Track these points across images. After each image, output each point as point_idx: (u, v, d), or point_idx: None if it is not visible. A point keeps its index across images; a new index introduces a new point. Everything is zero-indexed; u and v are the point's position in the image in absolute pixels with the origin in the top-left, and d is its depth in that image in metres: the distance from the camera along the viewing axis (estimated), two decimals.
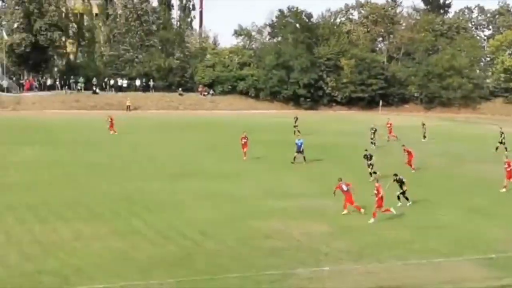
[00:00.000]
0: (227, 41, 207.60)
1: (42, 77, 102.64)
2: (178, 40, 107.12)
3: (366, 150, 42.11)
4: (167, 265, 22.37)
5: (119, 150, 51.82)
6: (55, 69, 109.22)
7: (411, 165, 42.89)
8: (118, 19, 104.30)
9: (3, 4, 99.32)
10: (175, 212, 30.31)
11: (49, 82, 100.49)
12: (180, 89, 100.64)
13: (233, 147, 49.19)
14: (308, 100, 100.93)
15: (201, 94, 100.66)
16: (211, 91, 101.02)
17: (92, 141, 56.34)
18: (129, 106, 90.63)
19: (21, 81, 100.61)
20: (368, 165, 40.18)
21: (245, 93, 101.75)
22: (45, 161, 45.45)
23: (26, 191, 34.37)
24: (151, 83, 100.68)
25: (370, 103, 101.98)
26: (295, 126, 63.32)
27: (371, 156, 40.55)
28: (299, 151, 45.49)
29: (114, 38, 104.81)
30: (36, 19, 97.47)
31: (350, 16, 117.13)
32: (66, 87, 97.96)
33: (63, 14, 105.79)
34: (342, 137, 62.09)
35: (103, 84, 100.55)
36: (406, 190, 31.93)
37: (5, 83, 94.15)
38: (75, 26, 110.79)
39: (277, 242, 25.59)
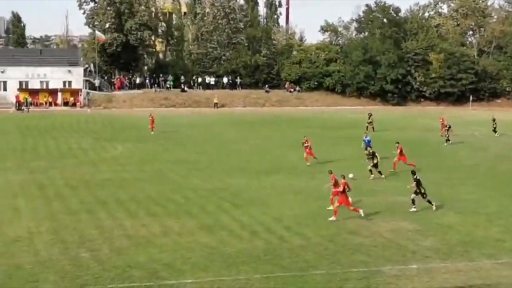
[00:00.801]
0: (314, 37, 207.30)
1: (132, 76, 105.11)
2: (264, 37, 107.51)
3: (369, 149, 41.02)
4: (254, 261, 22.53)
5: (206, 146, 52.50)
6: (145, 67, 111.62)
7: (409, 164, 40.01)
8: (206, 18, 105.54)
9: (96, 5, 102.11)
10: (262, 207, 30.49)
11: (138, 80, 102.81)
12: (266, 86, 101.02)
13: (319, 143, 49.04)
14: (395, 95, 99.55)
15: (287, 90, 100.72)
16: (298, 88, 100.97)
17: (180, 138, 57.29)
18: (217, 103, 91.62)
19: (112, 80, 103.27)
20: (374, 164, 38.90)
21: (331, 89, 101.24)
22: (135, 158, 46.57)
23: (117, 187, 35.30)
24: (238, 80, 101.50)
25: (459, 98, 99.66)
26: (369, 123, 62.82)
27: (373, 154, 39.16)
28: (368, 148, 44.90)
29: (202, 36, 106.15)
30: (127, 19, 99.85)
31: (439, 10, 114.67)
32: (155, 85, 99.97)
33: (153, 14, 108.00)
34: (429, 133, 60.97)
35: (191, 82, 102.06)
36: (424, 191, 29.98)
37: (97, 82, 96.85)
38: (164, 25, 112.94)
39: (363, 239, 25.40)
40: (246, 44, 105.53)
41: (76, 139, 55.77)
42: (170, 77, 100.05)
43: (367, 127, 61.43)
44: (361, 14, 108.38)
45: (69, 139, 56.19)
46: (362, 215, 28.41)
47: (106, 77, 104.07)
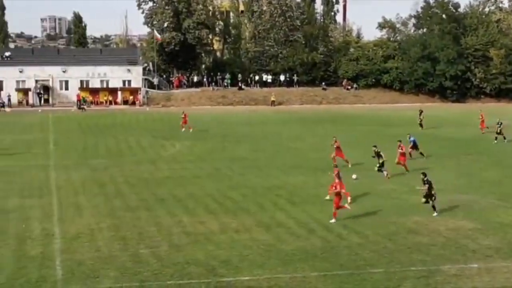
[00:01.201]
0: (371, 34, 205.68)
1: (190, 74, 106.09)
2: (321, 35, 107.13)
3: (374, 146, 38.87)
4: (311, 259, 22.53)
5: (263, 144, 52.64)
6: (203, 66, 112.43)
7: (404, 165, 39.32)
8: (263, 16, 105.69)
9: (154, 4, 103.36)
10: (319, 205, 30.43)
11: (196, 79, 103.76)
12: (323, 83, 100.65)
13: (376, 141, 48.59)
14: (454, 92, 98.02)
15: (344, 88, 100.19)
16: (355, 85, 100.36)
17: (238, 136, 57.58)
18: (274, 101, 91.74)
19: (171, 79, 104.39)
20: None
21: (389, 86, 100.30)
22: (193, 156, 47.02)
23: (175, 185, 35.71)
24: (295, 78, 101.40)
25: None
26: (420, 120, 62.08)
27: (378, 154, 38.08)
28: (415, 147, 44.30)
29: (259, 34, 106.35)
30: (185, 18, 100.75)
31: (500, 5, 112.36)
32: (213, 83, 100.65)
33: (210, 12, 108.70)
34: (489, 130, 59.84)
35: (248, 80, 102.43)
36: (434, 194, 28.77)
37: (156, 81, 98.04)
38: (222, 23, 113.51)
39: (422, 238, 25.13)
40: (303, 42, 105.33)
41: (135, 137, 56.59)
42: (228, 75, 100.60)
43: (420, 124, 60.93)
44: (420, 10, 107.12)
45: (128, 137, 57.07)
46: (333, 221, 27.39)
47: (164, 76, 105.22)
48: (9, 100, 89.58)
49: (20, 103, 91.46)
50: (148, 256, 22.71)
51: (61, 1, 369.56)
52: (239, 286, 19.96)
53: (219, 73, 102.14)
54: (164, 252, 23.26)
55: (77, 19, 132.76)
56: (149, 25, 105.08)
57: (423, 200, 28.93)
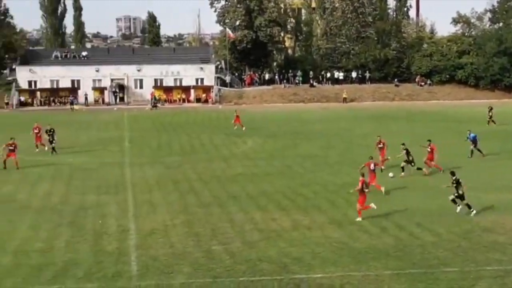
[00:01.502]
0: (445, 29, 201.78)
1: (262, 72, 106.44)
2: (394, 30, 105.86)
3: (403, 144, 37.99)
4: (384, 257, 22.35)
5: (335, 141, 52.44)
6: (274, 63, 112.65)
7: (433, 165, 37.99)
8: (335, 12, 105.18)
9: (226, 3, 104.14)
10: (391, 203, 30.14)
11: (268, 76, 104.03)
12: (396, 79, 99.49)
13: (450, 138, 47.85)
14: None
15: (418, 84, 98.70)
16: (428, 81, 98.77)
17: (309, 133, 57.51)
18: (345, 98, 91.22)
19: (243, 76, 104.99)
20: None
21: (463, 82, 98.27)
22: (265, 153, 47.20)
23: (247, 182, 35.94)
24: (367, 74, 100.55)
25: None
26: (490, 116, 60.59)
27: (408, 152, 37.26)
28: (474, 144, 43.17)
29: (330, 31, 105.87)
30: (257, 16, 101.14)
31: None
32: (285, 81, 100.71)
33: (282, 10, 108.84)
34: None
35: (320, 77, 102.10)
36: (463, 193, 27.87)
37: (228, 79, 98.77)
38: (293, 21, 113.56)
39: (498, 237, 24.60)
40: (375, 38, 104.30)
41: (208, 135, 57.19)
42: (299, 73, 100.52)
43: (488, 121, 59.64)
44: (496, 4, 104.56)
45: (201, 135, 57.72)
46: (359, 219, 27.28)
47: (236, 74, 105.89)
48: (86, 98, 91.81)
49: (96, 101, 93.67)
50: (220, 253, 22.95)
51: (136, 1, 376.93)
52: (312, 283, 19.97)
53: (290, 71, 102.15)
54: (236, 248, 23.45)
55: (151, 18, 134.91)
56: (221, 23, 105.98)
57: (451, 198, 28.06)
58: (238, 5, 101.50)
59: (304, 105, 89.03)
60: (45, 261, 22.17)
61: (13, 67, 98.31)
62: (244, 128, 59.83)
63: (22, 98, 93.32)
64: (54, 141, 47.37)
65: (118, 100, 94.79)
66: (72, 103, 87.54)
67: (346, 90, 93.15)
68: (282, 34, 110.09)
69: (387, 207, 29.35)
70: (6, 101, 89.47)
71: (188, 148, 50.86)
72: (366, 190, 28.05)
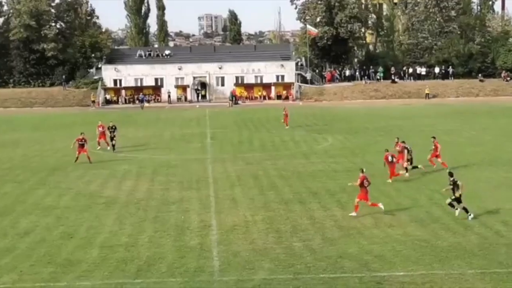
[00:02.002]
0: None
1: (342, 68, 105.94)
2: (478, 25, 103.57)
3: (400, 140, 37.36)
4: (468, 255, 21.91)
5: (417, 138, 51.51)
6: (355, 60, 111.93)
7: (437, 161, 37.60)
8: (417, 7, 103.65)
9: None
10: (476, 201, 29.42)
11: (348, 72, 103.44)
12: (480, 75, 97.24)
13: None
14: None
15: (504, 79, 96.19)
16: None
17: (391, 130, 56.82)
18: (428, 94, 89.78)
19: (323, 73, 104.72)
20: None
21: None
22: (346, 150, 46.96)
23: (328, 178, 35.84)
24: (450, 70, 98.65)
25: None
26: None
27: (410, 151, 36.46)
28: None
29: (412, 26, 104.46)
30: (337, 12, 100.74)
31: None
32: (366, 77, 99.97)
33: (363, 6, 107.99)
34: None
35: (401, 72, 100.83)
36: (460, 195, 26.48)
37: (308, 75, 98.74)
38: (374, 16, 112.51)
39: None
40: (458, 33, 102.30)
41: (289, 132, 57.30)
42: (380, 69, 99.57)
43: None
44: None
45: (282, 131, 57.90)
46: (383, 209, 27.24)
47: (317, 70, 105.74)
48: (168, 96, 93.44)
49: (179, 99, 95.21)
50: (301, 249, 23.00)
51: (217, 0, 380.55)
52: (393, 281, 19.79)
53: (371, 67, 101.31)
54: (317, 245, 23.46)
55: (232, 16, 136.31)
56: (302, 20, 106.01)
57: (448, 201, 26.82)
58: (319, 2, 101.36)
59: (385, 101, 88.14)
60: (130, 255, 22.73)
61: (99, 66, 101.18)
62: (287, 127, 59.84)
63: (108, 96, 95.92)
64: (114, 138, 48.07)
65: (200, 97, 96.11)
66: (142, 101, 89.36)
67: (429, 86, 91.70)
68: (363, 30, 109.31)
69: (473, 204, 28.75)
70: (92, 99, 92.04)
71: (268, 144, 51.10)
72: (367, 185, 27.68)
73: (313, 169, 39.10)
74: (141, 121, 70.26)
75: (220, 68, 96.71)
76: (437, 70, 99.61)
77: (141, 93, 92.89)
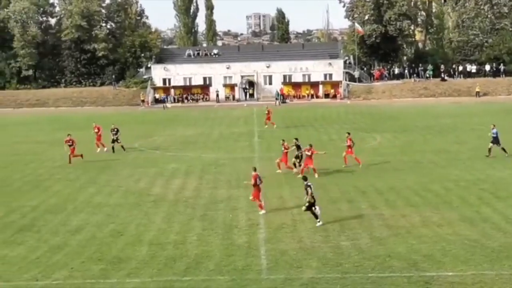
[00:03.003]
0: None
1: (391, 66, 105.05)
2: None
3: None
4: None
5: (467, 136, 51.01)
6: (404, 57, 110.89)
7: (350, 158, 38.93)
8: (467, 4, 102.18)
9: None
10: None
11: (397, 70, 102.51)
12: None
13: None
14: None
15: None
16: None
17: (440, 128, 56.24)
18: (478, 92, 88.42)
19: (372, 71, 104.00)
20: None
21: None
22: (394, 148, 46.59)
23: (376, 177, 35.61)
24: (502, 67, 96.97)
25: None
26: None
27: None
28: (495, 142, 40.44)
29: (463, 23, 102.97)
30: (386, 10, 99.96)
31: None
32: (415, 75, 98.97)
33: (412, 3, 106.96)
34: None
35: (451, 70, 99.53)
36: (309, 202, 25.85)
37: (356, 74, 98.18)
38: (424, 14, 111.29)
39: None
40: (510, 29, 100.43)
41: (336, 130, 57.12)
42: (430, 67, 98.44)
43: None
44: None
45: (329, 130, 57.79)
46: (263, 212, 27.91)
47: (365, 69, 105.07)
48: (217, 95, 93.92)
49: (227, 98, 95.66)
50: (349, 248, 22.93)
51: None
52: (442, 281, 19.60)
53: (420, 65, 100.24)
54: (365, 244, 23.36)
55: (280, 15, 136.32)
56: (350, 18, 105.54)
57: (303, 209, 26.32)
58: (367, 0, 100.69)
59: (435, 99, 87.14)
60: (178, 253, 22.97)
61: (149, 65, 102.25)
62: (275, 126, 59.73)
63: (157, 95, 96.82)
64: (118, 140, 47.62)
65: (248, 96, 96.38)
66: (164, 101, 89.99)
67: (479, 84, 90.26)
68: (412, 28, 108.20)
69: None
70: (142, 98, 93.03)
71: (316, 143, 50.78)
72: (259, 183, 28.10)
73: (361, 167, 38.85)
74: (189, 120, 70.79)
75: (268, 67, 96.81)
76: (487, 67, 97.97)
77: (163, 94, 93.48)
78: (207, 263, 21.71)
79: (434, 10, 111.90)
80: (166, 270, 21.24)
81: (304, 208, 26.22)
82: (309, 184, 26.25)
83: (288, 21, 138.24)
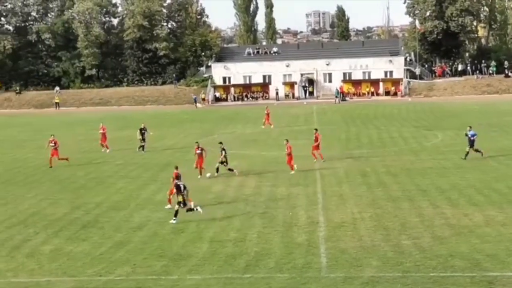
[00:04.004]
0: None
1: (453, 63, 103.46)
2: None
3: None
4: None
5: None
6: (466, 54, 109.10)
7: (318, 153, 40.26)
8: None
9: None
10: None
11: (460, 67, 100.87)
12: None
13: None
14: None
15: None
16: None
17: (504, 125, 55.22)
18: None
19: (433, 68, 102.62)
20: None
21: None
22: (456, 146, 45.79)
23: (438, 176, 35.15)
24: None
25: None
26: None
27: None
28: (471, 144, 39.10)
29: None
30: (448, 6, 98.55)
31: None
32: (477, 71, 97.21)
33: None
34: None
35: None
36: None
37: (417, 71, 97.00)
38: (487, 9, 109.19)
39: None
40: None
41: (397, 128, 56.60)
42: (493, 63, 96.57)
43: None
44: None
45: (390, 128, 57.26)
46: (169, 206, 28.99)
47: (426, 66, 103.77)
48: (276, 93, 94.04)
49: (286, 96, 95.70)
50: (410, 247, 22.69)
51: None
52: (506, 281, 19.22)
53: (483, 61, 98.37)
54: (426, 243, 23.08)
55: (341, 12, 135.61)
56: (411, 14, 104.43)
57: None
58: None
59: (498, 96, 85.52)
60: (239, 250, 23.11)
61: (209, 64, 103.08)
62: (272, 126, 59.43)
63: (217, 94, 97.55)
64: (144, 140, 48.00)
65: (307, 94, 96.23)
66: (195, 101, 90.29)
67: None
68: (474, 24, 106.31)
69: None
70: (202, 96, 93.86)
71: (376, 141, 50.63)
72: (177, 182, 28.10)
73: (422, 166, 38.44)
74: (249, 118, 71.09)
75: (327, 64, 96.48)
76: None
77: (193, 94, 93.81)
78: (267, 261, 21.78)
79: (497, 6, 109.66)
80: (226, 267, 21.41)
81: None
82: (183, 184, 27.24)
83: (348, 18, 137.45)
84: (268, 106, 66.79)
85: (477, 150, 39.70)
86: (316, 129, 41.59)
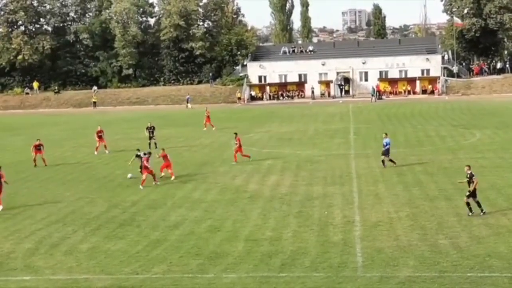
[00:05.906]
0: None
1: (491, 61, 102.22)
2: None
3: None
4: None
5: None
6: (505, 52, 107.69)
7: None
8: None
9: None
10: None
11: (498, 65, 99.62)
12: None
13: None
14: None
15: None
16: None
17: None
18: None
19: (471, 66, 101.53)
20: None
21: None
22: (495, 145, 45.29)
23: (476, 174, 34.55)
24: None
25: None
26: None
27: None
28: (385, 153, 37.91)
29: None
30: (486, 3, 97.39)
31: None
32: None
33: None
34: None
35: None
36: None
37: (455, 69, 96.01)
38: None
39: None
40: None
41: (434, 127, 56.10)
42: None
43: None
44: None
45: (427, 126, 56.78)
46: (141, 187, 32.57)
47: (464, 64, 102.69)
48: (312, 92, 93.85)
49: (322, 95, 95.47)
50: (447, 247, 22.51)
51: None
52: None
53: None
54: (464, 243, 22.87)
55: (377, 10, 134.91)
56: (448, 12, 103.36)
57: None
58: None
59: None
60: (274, 249, 23.14)
61: (245, 63, 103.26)
62: (214, 128, 59.08)
63: (253, 93, 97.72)
64: (153, 137, 49.35)
65: (343, 92, 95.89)
66: (187, 101, 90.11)
67: None
68: None
69: None
70: (238, 95, 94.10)
71: (413, 139, 50.24)
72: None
73: (460, 165, 37.83)
74: (285, 117, 71.07)
75: (363, 63, 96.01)
76: None
77: (188, 95, 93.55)
78: (303, 260, 21.79)
79: None
80: (262, 266, 21.46)
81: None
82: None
83: (384, 17, 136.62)
84: (208, 108, 66.53)
85: (391, 160, 38.12)
86: (236, 133, 42.40)
